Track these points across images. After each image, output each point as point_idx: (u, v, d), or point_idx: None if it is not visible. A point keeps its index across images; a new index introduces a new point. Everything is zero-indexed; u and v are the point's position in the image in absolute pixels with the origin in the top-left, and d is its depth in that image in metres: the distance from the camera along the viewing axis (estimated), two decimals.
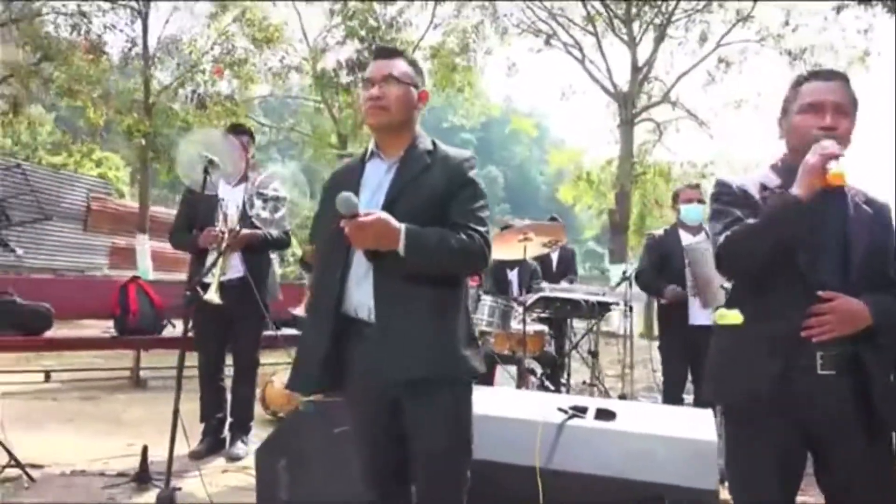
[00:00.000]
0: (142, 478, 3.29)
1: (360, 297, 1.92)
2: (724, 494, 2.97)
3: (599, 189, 19.65)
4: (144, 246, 14.37)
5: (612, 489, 2.40)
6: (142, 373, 6.37)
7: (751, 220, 1.79)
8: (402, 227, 1.82)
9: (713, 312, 3.61)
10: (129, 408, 5.29)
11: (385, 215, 1.82)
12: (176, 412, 2.92)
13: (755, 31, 16.97)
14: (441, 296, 1.93)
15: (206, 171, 3.24)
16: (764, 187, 1.92)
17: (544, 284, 5.66)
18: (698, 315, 4.23)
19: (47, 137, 20.16)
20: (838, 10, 15.12)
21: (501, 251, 4.51)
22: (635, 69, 17.23)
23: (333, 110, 17.12)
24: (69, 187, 16.04)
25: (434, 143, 2.05)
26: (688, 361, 4.34)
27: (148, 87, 14.04)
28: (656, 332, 9.23)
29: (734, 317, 1.92)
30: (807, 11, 16.14)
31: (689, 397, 4.58)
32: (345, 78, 16.63)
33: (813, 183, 1.73)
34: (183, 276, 17.01)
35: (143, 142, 13.63)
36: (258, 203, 3.02)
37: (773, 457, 1.83)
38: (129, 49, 14.19)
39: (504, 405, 2.72)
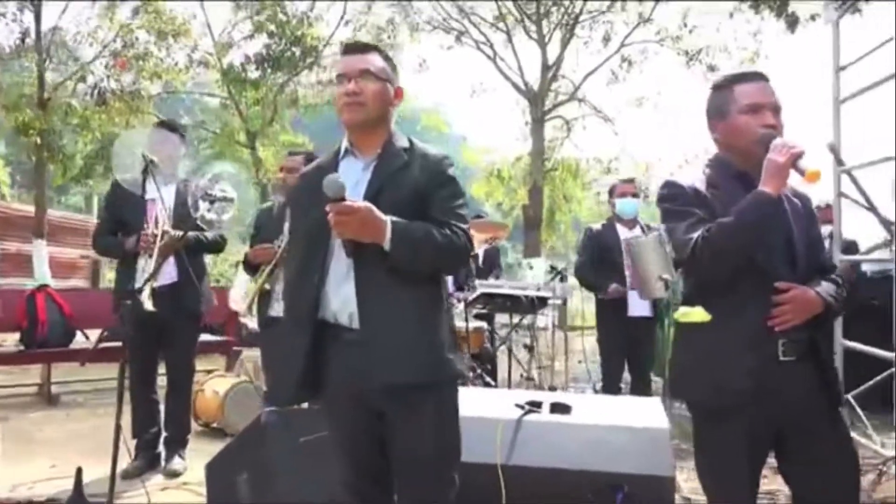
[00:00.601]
0: (76, 502, 3.02)
1: (341, 301, 1.85)
2: (679, 478, 3.12)
3: (510, 185, 19.98)
4: (42, 251, 13.33)
5: (572, 481, 2.44)
6: (52, 388, 5.95)
7: (724, 220, 1.82)
8: (388, 219, 1.77)
9: (670, 309, 3.72)
10: (42, 427, 4.94)
11: (371, 206, 1.77)
12: (118, 428, 2.72)
13: (655, 32, 17.77)
14: (424, 297, 1.89)
15: (145, 172, 3.04)
16: (711, 186, 1.98)
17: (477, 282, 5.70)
18: (636, 306, 4.38)
19: None
20: (731, 14, 16.02)
21: None
22: (545, 68, 17.63)
23: (241, 106, 16.53)
24: None
25: (410, 141, 2.00)
26: (626, 352, 4.48)
27: (42, 82, 12.98)
28: (570, 322, 9.49)
29: (699, 314, 1.93)
30: (703, 14, 17.03)
31: (624, 386, 4.74)
32: (253, 73, 16.12)
33: (783, 181, 1.80)
34: (81, 283, 15.97)
35: (38, 140, 12.59)
36: (203, 205, 2.86)
37: (745, 446, 1.88)
38: (21, 41, 13.04)
39: (461, 404, 2.71)
